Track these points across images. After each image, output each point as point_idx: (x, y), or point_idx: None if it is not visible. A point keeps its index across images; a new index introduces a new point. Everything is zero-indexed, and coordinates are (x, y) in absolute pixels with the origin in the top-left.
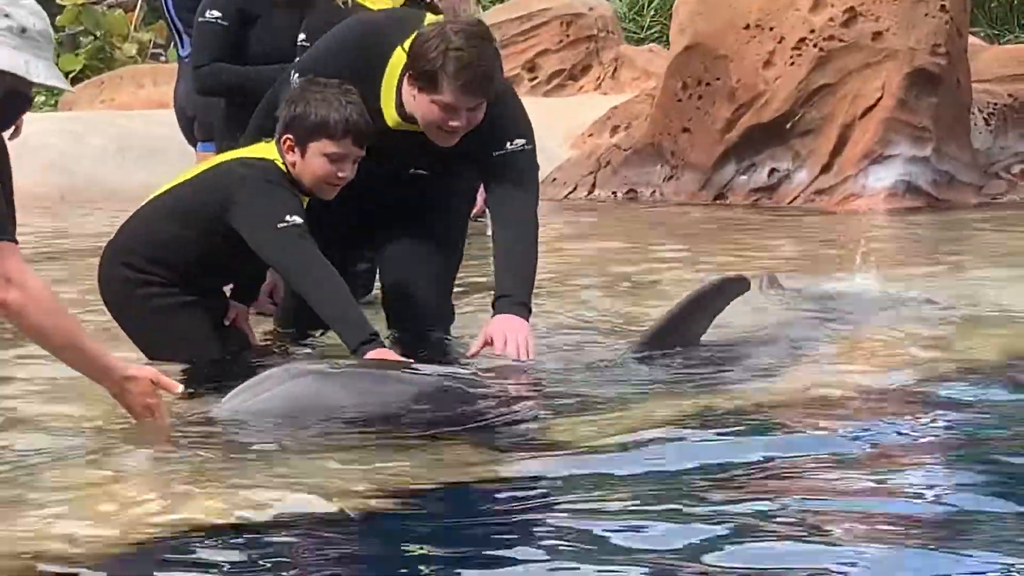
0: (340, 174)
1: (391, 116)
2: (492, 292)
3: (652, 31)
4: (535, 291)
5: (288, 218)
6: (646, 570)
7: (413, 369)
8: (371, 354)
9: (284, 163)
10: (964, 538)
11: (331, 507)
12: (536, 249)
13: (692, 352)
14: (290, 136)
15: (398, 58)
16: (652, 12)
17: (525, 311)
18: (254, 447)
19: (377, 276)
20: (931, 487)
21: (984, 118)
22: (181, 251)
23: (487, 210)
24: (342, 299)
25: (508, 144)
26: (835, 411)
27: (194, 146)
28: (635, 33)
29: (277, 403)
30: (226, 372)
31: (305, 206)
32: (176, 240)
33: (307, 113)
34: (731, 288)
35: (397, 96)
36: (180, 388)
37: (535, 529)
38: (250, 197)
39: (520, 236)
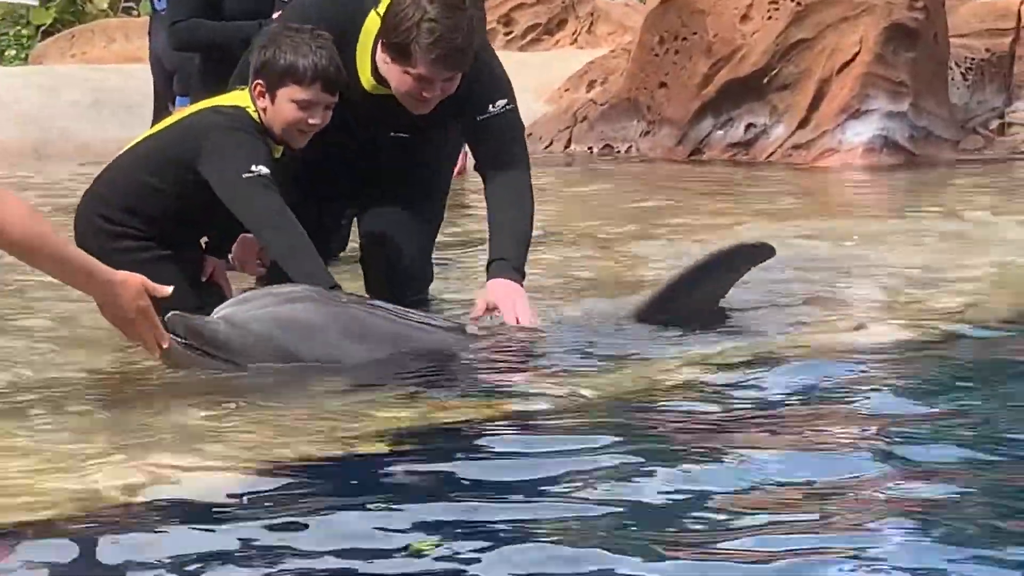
0: (310, 120)
1: (367, 80)
2: (470, 252)
3: None
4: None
5: (254, 168)
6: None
7: (404, 315)
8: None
9: (256, 109)
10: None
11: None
12: (532, 211)
13: (708, 317)
14: (260, 81)
15: (372, 22)
16: None
17: (519, 276)
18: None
19: (355, 234)
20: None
21: (962, 73)
22: (154, 201)
23: (467, 169)
24: (303, 250)
25: (491, 107)
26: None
27: (172, 100)
28: None
29: (267, 318)
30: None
31: (280, 155)
32: (149, 189)
33: (276, 58)
34: (754, 255)
35: (372, 61)
36: (170, 290)
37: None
38: (218, 145)
39: (514, 199)
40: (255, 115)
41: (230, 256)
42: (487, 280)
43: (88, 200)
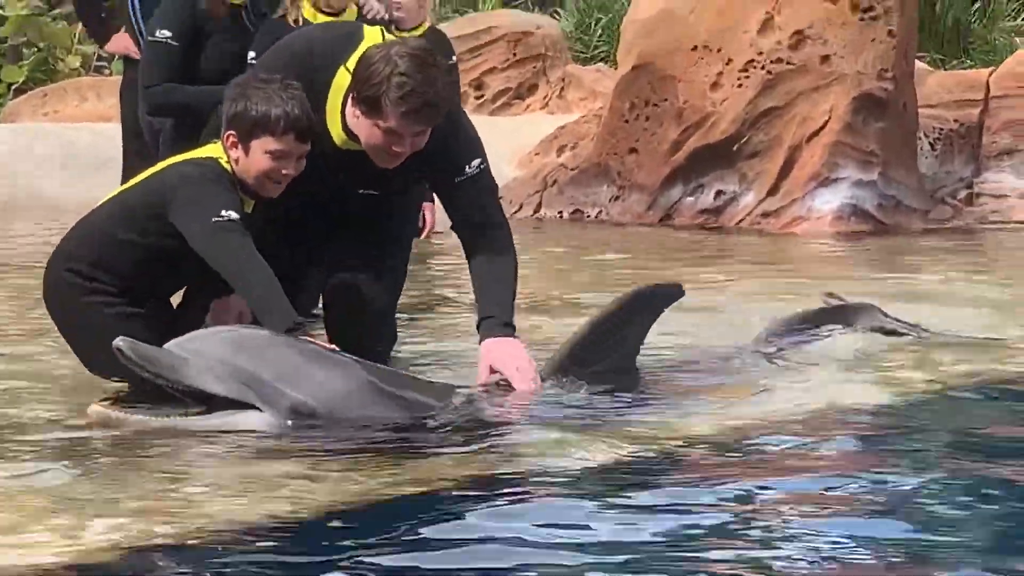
0: (284, 171)
1: (338, 135)
2: (434, 311)
3: (599, 51)
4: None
5: (223, 213)
6: None
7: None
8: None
9: (228, 160)
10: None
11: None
12: (515, 266)
13: (619, 376)
14: (233, 132)
15: (342, 78)
16: (599, 32)
17: (511, 330)
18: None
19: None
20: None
21: (930, 143)
22: (125, 254)
23: (433, 228)
24: (269, 289)
25: (467, 168)
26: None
27: (141, 157)
28: (582, 52)
29: (219, 343)
30: (161, 389)
31: (251, 208)
32: (120, 243)
33: (248, 109)
34: (663, 296)
35: (342, 116)
36: None
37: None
38: (189, 194)
39: (496, 255)
40: (227, 166)
41: (208, 317)
42: (480, 340)
43: (58, 255)
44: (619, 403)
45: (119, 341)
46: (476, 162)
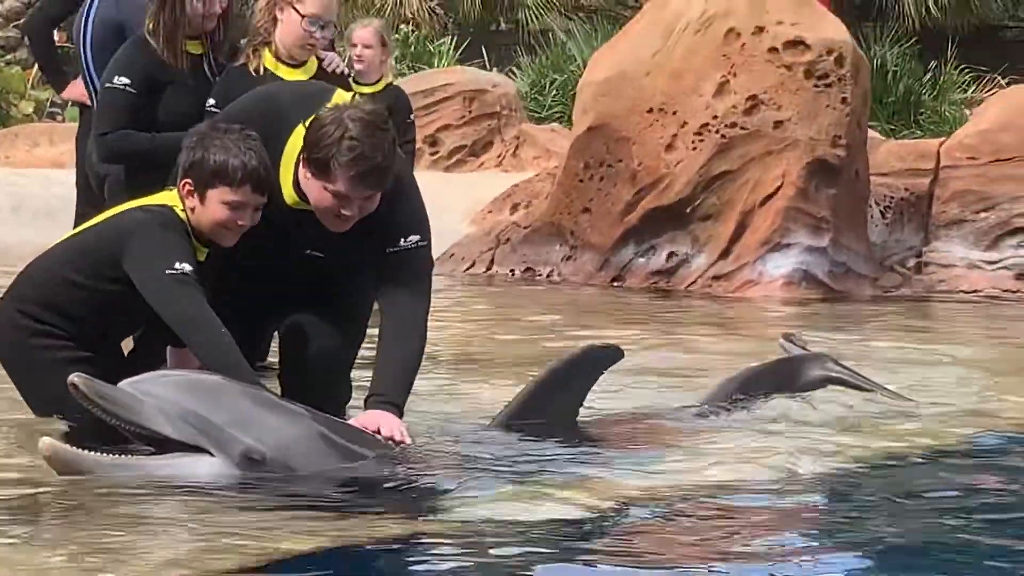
0: (239, 221)
1: (289, 194)
2: None
3: (553, 110)
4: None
5: (177, 265)
6: None
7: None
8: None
9: (184, 209)
10: None
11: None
12: (420, 354)
13: (559, 428)
14: (189, 181)
15: (298, 136)
16: (554, 92)
17: (397, 411)
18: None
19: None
20: None
21: (881, 211)
22: (75, 297)
23: None
24: (225, 347)
25: (403, 240)
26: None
27: (93, 204)
28: (536, 112)
29: (172, 386)
30: (110, 431)
31: (205, 257)
32: (71, 285)
33: (206, 159)
34: (602, 357)
35: (295, 175)
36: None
37: None
38: (142, 242)
39: (406, 338)
40: (182, 214)
41: (168, 361)
42: (364, 410)
43: (8, 297)
44: (559, 458)
45: (74, 377)
46: (414, 238)
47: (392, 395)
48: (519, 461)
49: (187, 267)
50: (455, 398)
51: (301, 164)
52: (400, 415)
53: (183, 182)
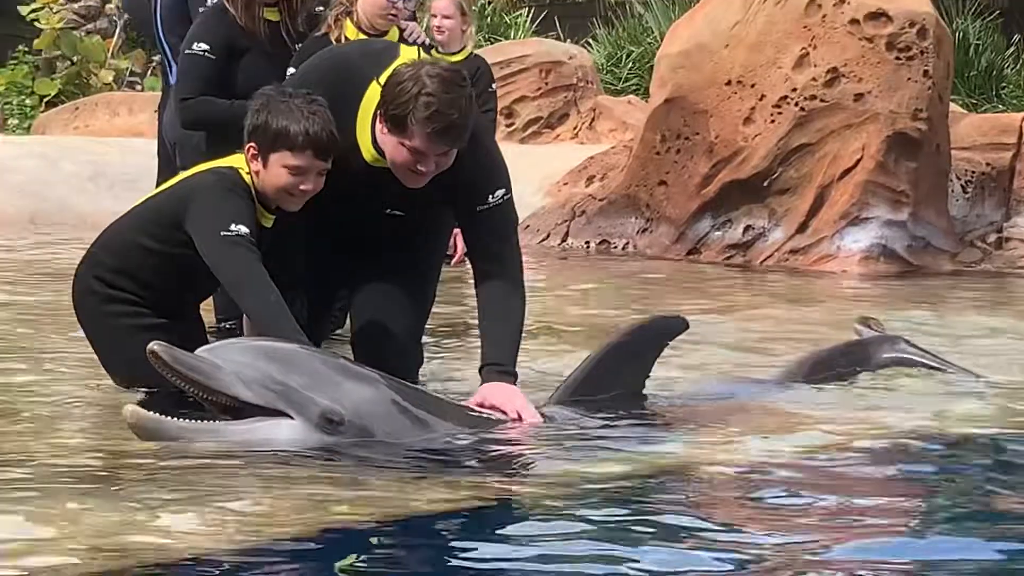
0: (302, 186)
1: (367, 150)
2: (462, 336)
3: (629, 83)
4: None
5: (233, 227)
6: None
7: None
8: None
9: (249, 172)
10: None
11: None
12: (523, 308)
13: (626, 401)
14: (253, 144)
15: (374, 92)
16: (630, 64)
17: (512, 379)
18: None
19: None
20: None
21: (962, 185)
22: (146, 262)
23: (461, 254)
24: (274, 309)
25: (491, 197)
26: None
27: (174, 173)
28: (612, 84)
29: (249, 352)
30: (180, 402)
31: (271, 223)
32: (141, 250)
33: (269, 122)
34: (667, 328)
35: (372, 131)
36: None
37: None
38: (202, 202)
39: (505, 296)
40: (247, 177)
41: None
42: (481, 385)
43: (86, 261)
44: (628, 431)
45: (154, 344)
46: (500, 192)
47: (507, 363)
48: (585, 434)
49: (242, 229)
50: (524, 368)
51: (378, 120)
52: (516, 379)
53: (248, 146)
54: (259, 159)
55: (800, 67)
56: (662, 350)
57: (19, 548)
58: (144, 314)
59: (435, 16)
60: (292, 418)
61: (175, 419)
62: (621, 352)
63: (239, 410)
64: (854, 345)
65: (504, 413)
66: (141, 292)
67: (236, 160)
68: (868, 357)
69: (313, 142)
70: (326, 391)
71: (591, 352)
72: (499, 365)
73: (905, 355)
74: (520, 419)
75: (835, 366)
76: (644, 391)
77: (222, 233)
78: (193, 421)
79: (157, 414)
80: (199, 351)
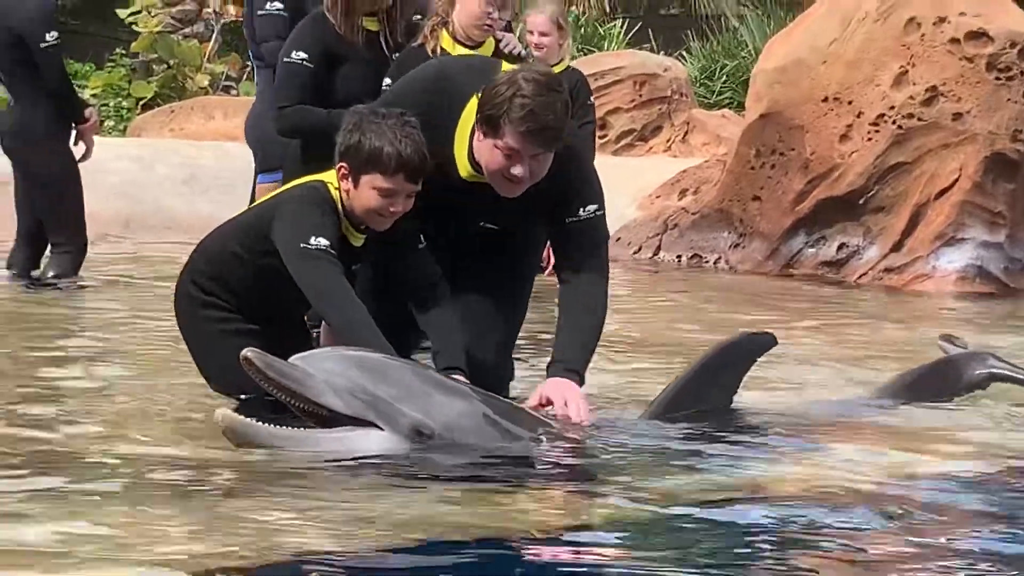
0: (392, 208)
1: (464, 166)
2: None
3: (723, 96)
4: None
5: (313, 240)
6: None
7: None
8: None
9: (339, 188)
10: None
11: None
12: (602, 320)
13: (718, 417)
14: (344, 164)
15: (472, 107)
16: (724, 78)
17: (578, 378)
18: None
19: None
20: None
21: None
22: (237, 270)
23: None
24: (362, 323)
25: (582, 211)
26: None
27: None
28: (706, 98)
29: (340, 362)
30: (272, 408)
31: (362, 243)
32: (234, 258)
33: (361, 144)
34: (756, 345)
35: (470, 145)
36: None
37: None
38: (287, 214)
39: (587, 307)
40: (335, 192)
41: (322, 338)
42: (545, 378)
43: (186, 267)
44: (718, 448)
45: (247, 351)
46: (592, 208)
47: (575, 363)
48: (675, 452)
49: (322, 241)
50: (612, 384)
51: (476, 129)
52: (581, 383)
53: (339, 165)
54: (349, 179)
55: (898, 85)
56: (750, 367)
57: (106, 555)
58: (236, 320)
59: (531, 33)
60: (381, 429)
61: (266, 424)
62: (711, 369)
63: (328, 419)
64: (942, 363)
65: (552, 406)
66: (233, 299)
67: (328, 175)
68: (959, 375)
69: (405, 165)
70: (416, 403)
71: (683, 369)
72: (565, 362)
73: (996, 370)
74: (568, 415)
75: (926, 385)
76: (733, 407)
77: (301, 245)
78: (284, 428)
79: (248, 419)
80: (292, 359)
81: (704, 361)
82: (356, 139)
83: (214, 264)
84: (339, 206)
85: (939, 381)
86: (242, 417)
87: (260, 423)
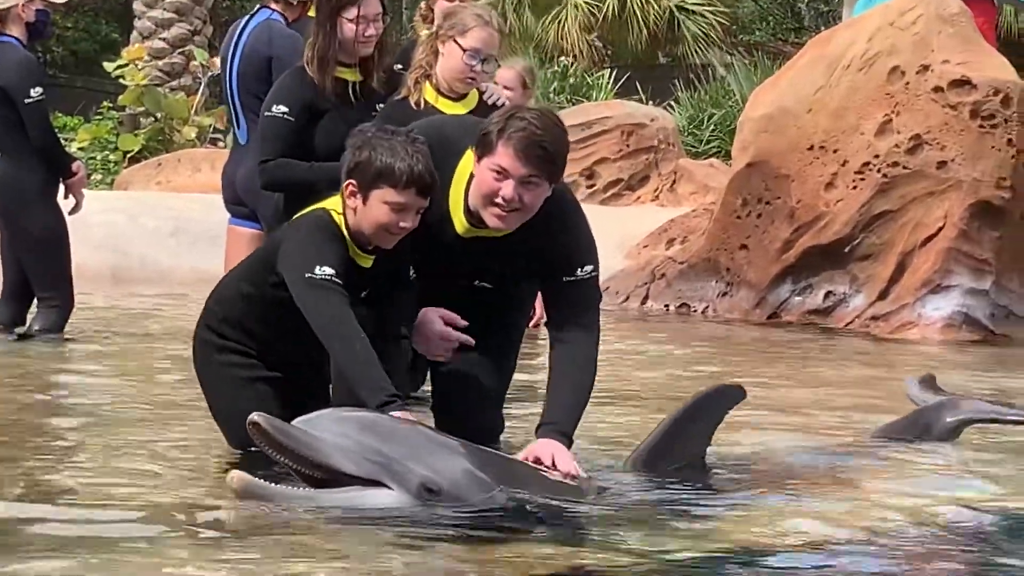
0: (402, 223)
1: (460, 221)
2: (538, 404)
3: (711, 145)
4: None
5: (319, 269)
6: None
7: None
8: (392, 415)
9: (343, 210)
10: None
11: None
12: (592, 381)
13: (690, 473)
14: (353, 181)
15: (467, 161)
16: (712, 127)
17: (567, 440)
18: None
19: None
20: None
21: None
22: (248, 309)
23: (539, 318)
24: (363, 357)
25: (579, 271)
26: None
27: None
28: (693, 147)
29: (346, 423)
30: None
31: (371, 264)
32: (243, 297)
33: (372, 159)
34: (726, 398)
35: (465, 201)
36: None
37: None
38: (289, 246)
39: (579, 367)
40: (339, 218)
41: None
42: (536, 438)
43: (201, 314)
44: (694, 500)
45: (255, 416)
46: (588, 268)
47: (564, 424)
48: (659, 503)
49: (328, 270)
50: (593, 432)
51: (472, 160)
52: (569, 445)
53: (347, 183)
54: (358, 196)
55: (883, 134)
56: (723, 418)
57: None
58: (253, 366)
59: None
60: (389, 487)
61: (280, 485)
62: (684, 421)
63: (324, 480)
64: (927, 410)
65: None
66: (249, 341)
67: (330, 202)
68: (939, 421)
69: (417, 180)
70: (424, 461)
71: (661, 420)
72: (555, 424)
73: (981, 415)
74: (555, 467)
75: (905, 435)
76: (704, 460)
77: (307, 275)
78: (297, 488)
79: (261, 480)
80: (297, 421)
81: (677, 415)
82: (366, 155)
83: (225, 306)
84: (344, 231)
85: (917, 430)
86: (255, 479)
87: (273, 485)
